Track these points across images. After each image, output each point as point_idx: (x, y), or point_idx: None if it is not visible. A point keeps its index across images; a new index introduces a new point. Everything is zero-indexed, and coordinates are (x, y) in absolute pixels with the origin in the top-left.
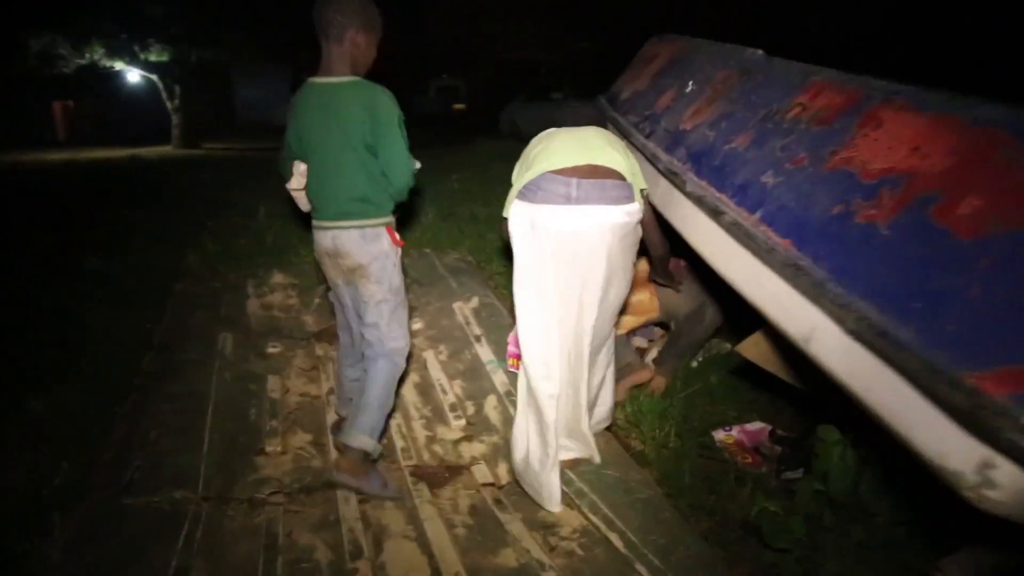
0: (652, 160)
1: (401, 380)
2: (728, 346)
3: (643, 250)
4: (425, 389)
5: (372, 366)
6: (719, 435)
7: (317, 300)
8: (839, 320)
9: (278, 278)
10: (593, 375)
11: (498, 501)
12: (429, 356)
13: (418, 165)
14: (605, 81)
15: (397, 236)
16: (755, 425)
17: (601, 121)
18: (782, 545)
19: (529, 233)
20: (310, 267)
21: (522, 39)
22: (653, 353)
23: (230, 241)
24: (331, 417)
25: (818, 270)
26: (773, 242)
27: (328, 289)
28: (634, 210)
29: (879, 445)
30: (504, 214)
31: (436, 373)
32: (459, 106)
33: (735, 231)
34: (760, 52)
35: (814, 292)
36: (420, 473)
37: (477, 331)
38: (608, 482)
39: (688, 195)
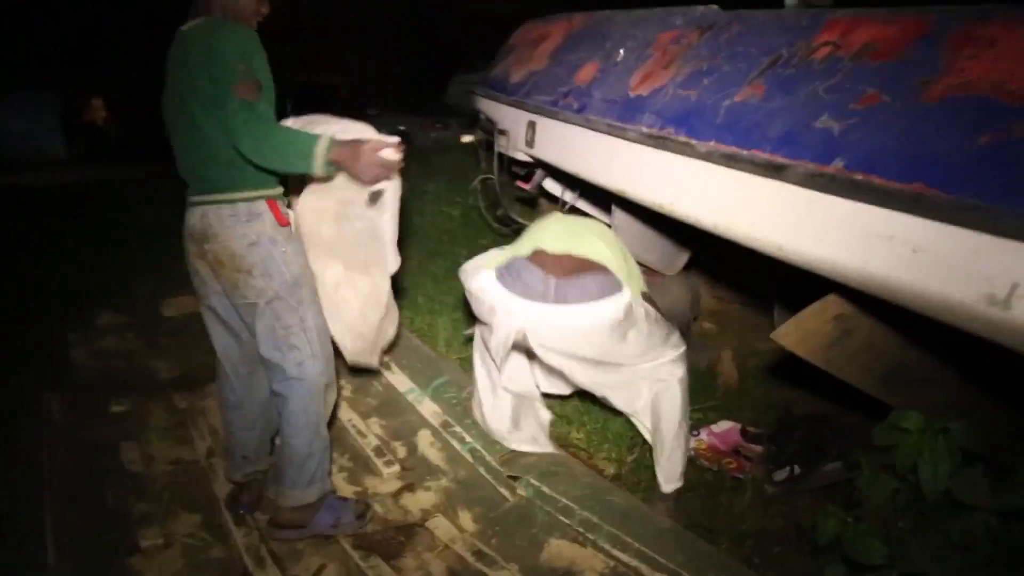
0: (610, 132)
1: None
2: None
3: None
4: (335, 434)
5: (279, 402)
6: (690, 442)
7: (164, 339)
8: None
9: (107, 318)
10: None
11: (479, 554)
12: None
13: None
14: (412, 98)
15: (285, 214)
16: (723, 425)
17: None
18: (876, 561)
19: (504, 320)
20: (146, 301)
21: (320, 61)
22: None
23: (32, 280)
24: (222, 487)
25: (1016, 210)
26: (898, 189)
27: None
28: (620, 301)
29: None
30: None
31: (344, 413)
32: None
33: (828, 186)
34: (715, 7)
35: None
36: (366, 544)
37: (383, 357)
38: (619, 510)
39: (707, 157)
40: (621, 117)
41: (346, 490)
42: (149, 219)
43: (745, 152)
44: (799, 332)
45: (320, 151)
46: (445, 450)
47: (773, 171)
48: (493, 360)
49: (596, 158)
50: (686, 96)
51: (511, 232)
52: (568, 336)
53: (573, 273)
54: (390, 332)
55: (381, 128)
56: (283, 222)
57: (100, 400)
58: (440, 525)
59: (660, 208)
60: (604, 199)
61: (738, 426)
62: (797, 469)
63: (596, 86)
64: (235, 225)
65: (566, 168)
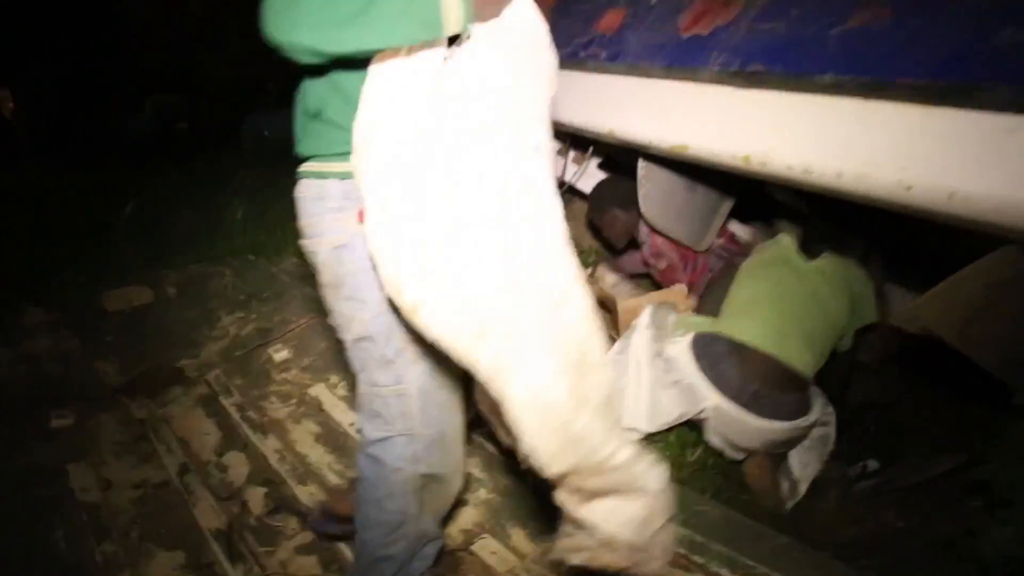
0: (668, 75)
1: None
2: None
3: None
4: (335, 442)
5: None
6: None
7: (109, 337)
8: None
9: (36, 316)
10: None
11: None
12: (321, 393)
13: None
14: None
15: None
16: None
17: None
18: None
19: (689, 398)
20: (82, 294)
21: (243, 56)
22: None
23: None
24: (205, 512)
25: None
26: None
27: None
28: (808, 420)
29: None
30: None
31: (341, 415)
32: (181, 124)
33: None
34: None
35: None
36: None
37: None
38: (719, 523)
39: (833, 91)
40: (677, 60)
41: None
42: (71, 213)
43: (894, 80)
44: (942, 304)
45: None
46: (478, 453)
47: (949, 98)
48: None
49: (640, 110)
50: (770, 29)
51: None
52: (746, 438)
53: (773, 386)
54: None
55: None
56: None
57: (36, 414)
58: (490, 548)
59: (744, 163)
60: (622, 170)
61: None
62: (873, 464)
63: (629, 32)
64: (321, 215)
65: (591, 128)
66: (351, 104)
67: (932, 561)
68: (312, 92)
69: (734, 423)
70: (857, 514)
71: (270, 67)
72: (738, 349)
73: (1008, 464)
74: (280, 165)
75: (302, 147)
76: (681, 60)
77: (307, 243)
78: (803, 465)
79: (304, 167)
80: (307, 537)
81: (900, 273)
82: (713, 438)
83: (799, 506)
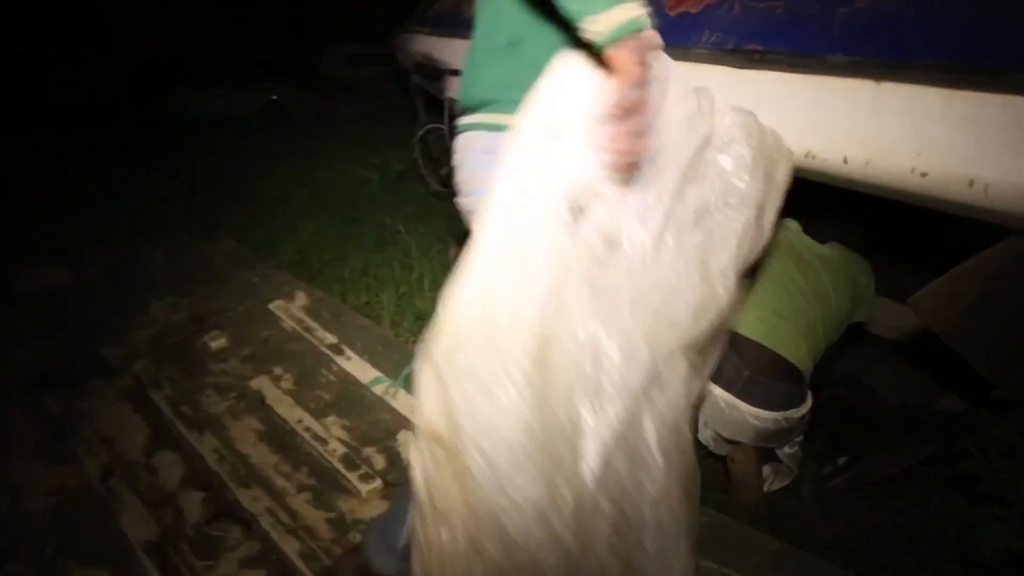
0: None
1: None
2: None
3: None
4: (280, 440)
5: None
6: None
7: (21, 323)
8: None
9: None
10: None
11: None
12: (264, 385)
13: None
14: (282, 69)
15: None
16: None
17: None
18: None
19: None
20: None
21: (171, 30)
22: None
23: None
24: (133, 522)
25: None
26: None
27: None
28: (799, 413)
29: None
30: None
31: (286, 411)
32: (97, 95)
33: None
34: None
35: None
36: None
37: (330, 338)
38: (704, 531)
39: (845, 72)
40: (663, 38)
41: (316, 516)
42: None
43: (912, 62)
44: (941, 298)
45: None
46: None
47: (974, 80)
48: None
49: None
50: (768, 8)
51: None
52: (736, 427)
53: (765, 374)
54: None
55: (253, 97)
56: None
57: None
58: None
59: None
60: None
61: None
62: (842, 460)
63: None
64: (488, 171)
65: None
66: (551, 43)
67: (912, 558)
68: (511, 17)
69: (725, 411)
70: (830, 511)
71: (200, 42)
72: (731, 337)
73: (994, 459)
74: (212, 142)
75: (478, 88)
76: (668, 38)
77: (466, 201)
78: (790, 458)
79: (471, 119)
80: (253, 547)
81: (898, 265)
82: (704, 431)
83: (774, 504)
